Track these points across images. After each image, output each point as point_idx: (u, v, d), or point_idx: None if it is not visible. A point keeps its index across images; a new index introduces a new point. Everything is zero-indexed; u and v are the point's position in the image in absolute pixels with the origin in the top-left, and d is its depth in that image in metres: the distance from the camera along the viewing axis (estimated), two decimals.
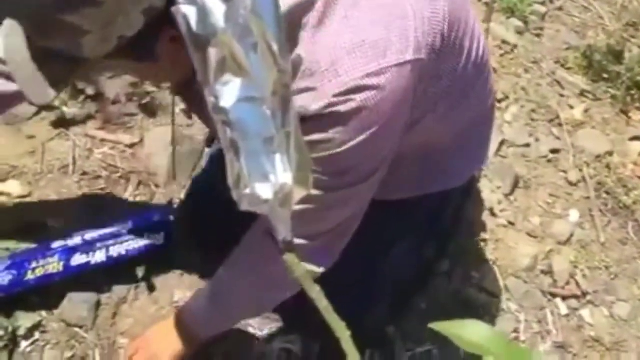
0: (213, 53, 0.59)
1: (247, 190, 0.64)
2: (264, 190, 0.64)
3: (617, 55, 2.11)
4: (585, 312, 1.57)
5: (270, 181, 0.64)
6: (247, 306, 1.05)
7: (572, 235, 1.72)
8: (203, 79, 0.62)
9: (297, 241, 0.78)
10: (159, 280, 1.26)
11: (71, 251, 1.16)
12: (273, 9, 0.58)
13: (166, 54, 0.75)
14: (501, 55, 2.04)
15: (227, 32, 0.58)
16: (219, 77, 0.60)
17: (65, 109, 1.38)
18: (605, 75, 2.10)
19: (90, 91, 1.43)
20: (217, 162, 1.23)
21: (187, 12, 0.58)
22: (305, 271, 0.70)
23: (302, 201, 0.70)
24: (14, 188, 1.27)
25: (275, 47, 0.59)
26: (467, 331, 0.53)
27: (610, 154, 1.93)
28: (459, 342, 0.52)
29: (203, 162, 1.45)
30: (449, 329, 0.53)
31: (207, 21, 0.58)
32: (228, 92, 0.61)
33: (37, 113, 1.38)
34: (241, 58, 0.59)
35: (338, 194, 0.85)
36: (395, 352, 1.31)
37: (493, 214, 1.67)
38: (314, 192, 0.79)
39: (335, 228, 0.92)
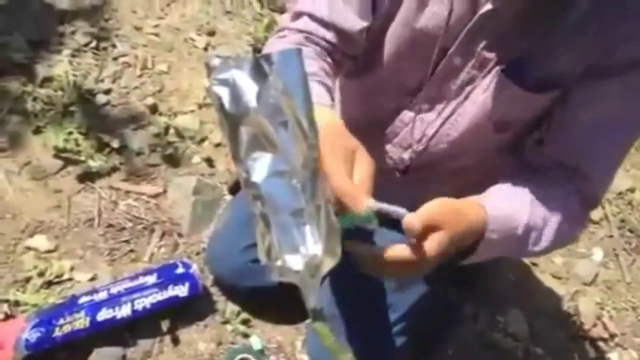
0: (244, 131, 0.61)
1: (279, 262, 0.65)
2: (295, 262, 0.65)
3: None
4: (613, 355, 1.55)
5: (301, 253, 0.64)
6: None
7: (597, 275, 1.70)
8: (234, 155, 0.63)
9: None
10: (183, 332, 1.26)
11: (97, 306, 1.17)
12: (303, 89, 0.60)
13: None
14: None
15: (258, 111, 0.59)
16: (250, 154, 0.62)
17: (90, 162, 1.40)
18: None
19: (115, 144, 1.46)
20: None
21: (220, 92, 0.59)
22: (334, 340, 0.71)
23: None
24: (41, 243, 1.29)
25: (305, 124, 0.61)
26: None
27: (632, 190, 1.92)
28: None
29: (221, 210, 1.46)
30: None
31: (240, 101, 0.59)
32: (259, 167, 0.62)
33: (63, 167, 1.40)
34: (272, 135, 0.60)
35: None
36: None
37: None
38: None
39: None
